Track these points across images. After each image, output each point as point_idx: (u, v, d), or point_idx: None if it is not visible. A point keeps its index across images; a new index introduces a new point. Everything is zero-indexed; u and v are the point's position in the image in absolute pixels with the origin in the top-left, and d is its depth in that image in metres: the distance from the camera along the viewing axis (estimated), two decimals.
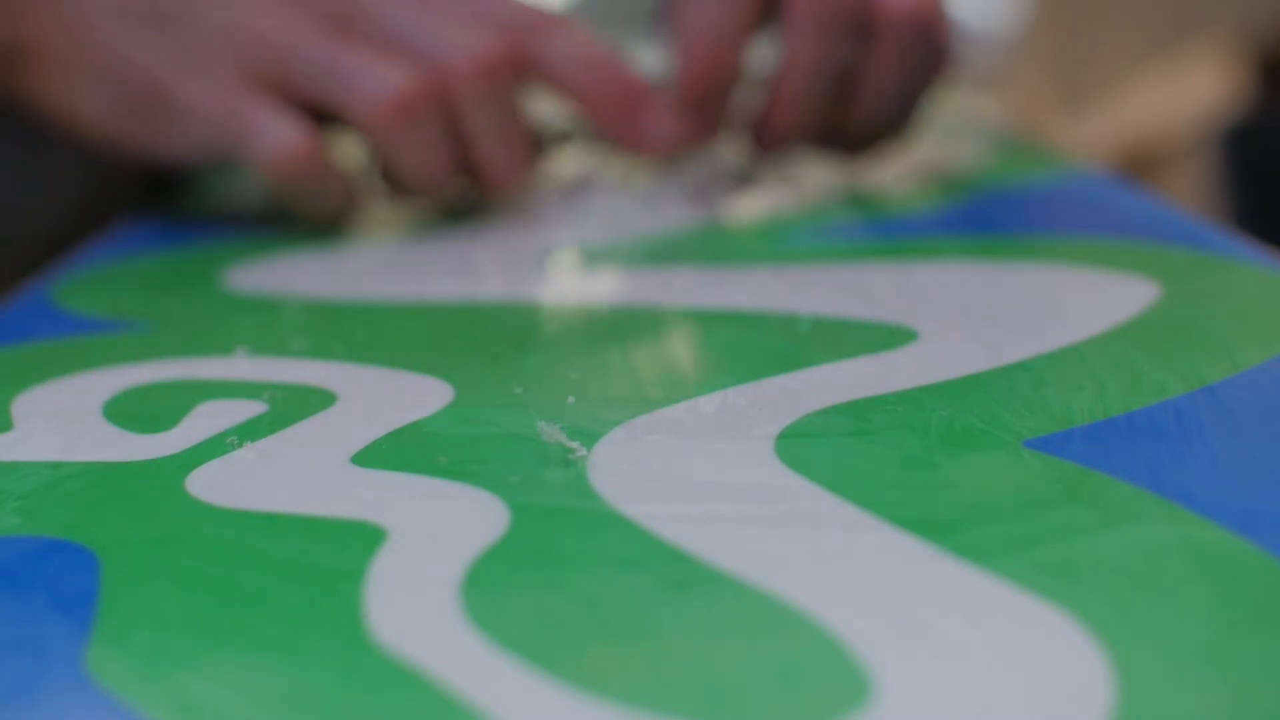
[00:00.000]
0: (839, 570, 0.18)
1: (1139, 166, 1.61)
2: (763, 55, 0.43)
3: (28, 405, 0.26)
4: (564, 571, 0.18)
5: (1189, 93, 1.61)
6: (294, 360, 0.29)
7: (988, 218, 0.41)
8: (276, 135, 0.38)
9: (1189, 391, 0.24)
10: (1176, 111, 1.60)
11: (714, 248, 0.38)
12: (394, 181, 0.41)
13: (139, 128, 0.40)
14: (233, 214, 0.49)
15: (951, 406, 0.24)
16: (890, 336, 0.28)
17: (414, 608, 0.17)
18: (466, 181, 0.42)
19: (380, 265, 0.39)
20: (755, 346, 0.28)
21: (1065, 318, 0.29)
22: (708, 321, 0.31)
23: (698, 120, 0.42)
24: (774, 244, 0.38)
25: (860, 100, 0.42)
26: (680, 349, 0.29)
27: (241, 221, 0.46)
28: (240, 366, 0.28)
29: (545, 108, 0.46)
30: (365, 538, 0.19)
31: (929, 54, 0.41)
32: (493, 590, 0.17)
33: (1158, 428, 0.22)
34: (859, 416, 0.23)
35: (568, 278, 0.36)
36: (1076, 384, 0.24)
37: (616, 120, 0.41)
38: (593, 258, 0.38)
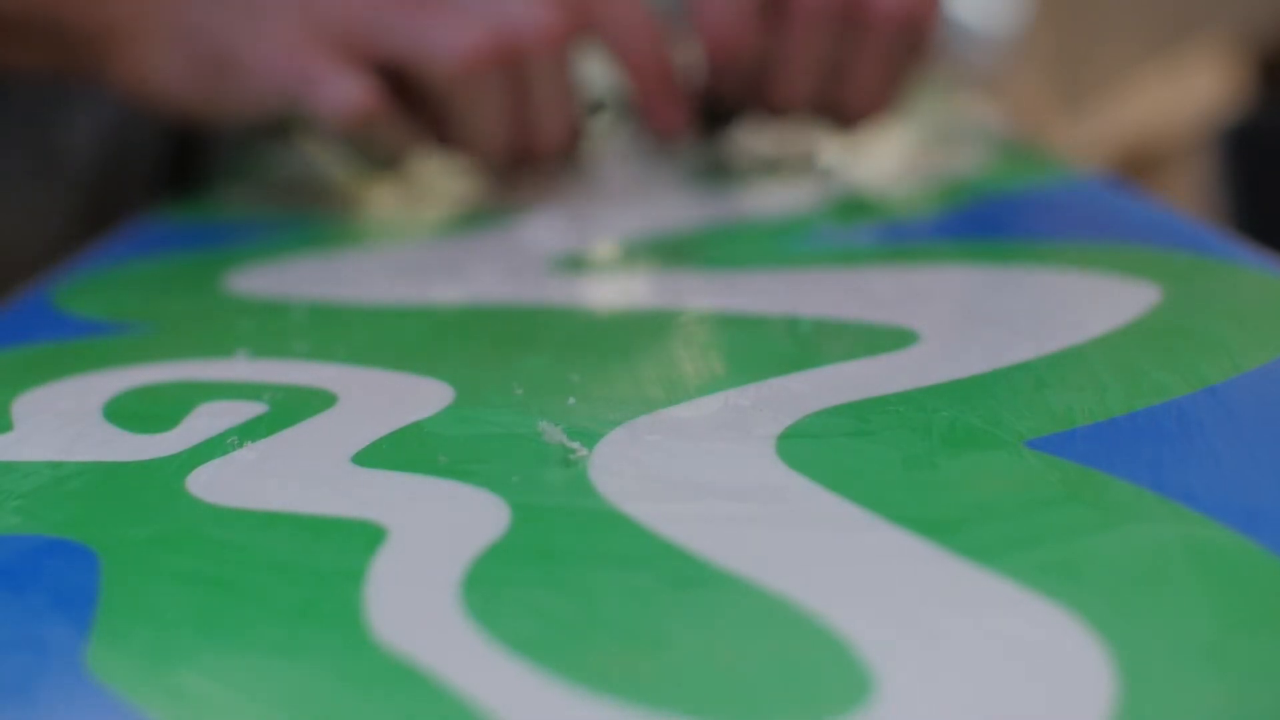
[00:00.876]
0: (840, 569, 0.18)
1: (1139, 167, 1.61)
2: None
3: (28, 406, 0.26)
4: (565, 570, 0.18)
5: (1189, 93, 1.61)
6: (294, 362, 0.29)
7: (989, 222, 0.41)
8: (341, 88, 0.40)
9: (1190, 392, 0.24)
10: (1176, 111, 1.60)
11: (716, 250, 0.38)
12: (460, 142, 0.44)
13: (212, 89, 0.43)
14: (231, 219, 0.49)
15: (953, 407, 0.24)
16: (891, 338, 0.28)
17: (414, 606, 0.17)
18: (522, 147, 0.44)
19: (380, 268, 0.39)
20: (757, 347, 0.28)
21: (1066, 320, 0.29)
22: (709, 323, 0.31)
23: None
24: (776, 247, 0.38)
25: (850, 83, 0.47)
26: (681, 350, 0.29)
27: (240, 226, 0.46)
28: (240, 368, 0.28)
29: (586, 75, 0.50)
30: (365, 537, 0.19)
31: (916, 47, 0.46)
32: (493, 589, 0.17)
33: (1159, 428, 0.22)
34: (860, 417, 0.23)
35: (569, 279, 0.36)
36: (1078, 385, 0.24)
37: (650, 97, 0.46)
38: (594, 260, 0.38)
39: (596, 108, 0.51)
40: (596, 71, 0.50)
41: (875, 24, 0.45)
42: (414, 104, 0.43)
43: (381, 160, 0.44)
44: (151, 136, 0.59)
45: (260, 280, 0.37)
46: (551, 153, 0.45)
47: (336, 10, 0.41)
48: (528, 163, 0.45)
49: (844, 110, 0.48)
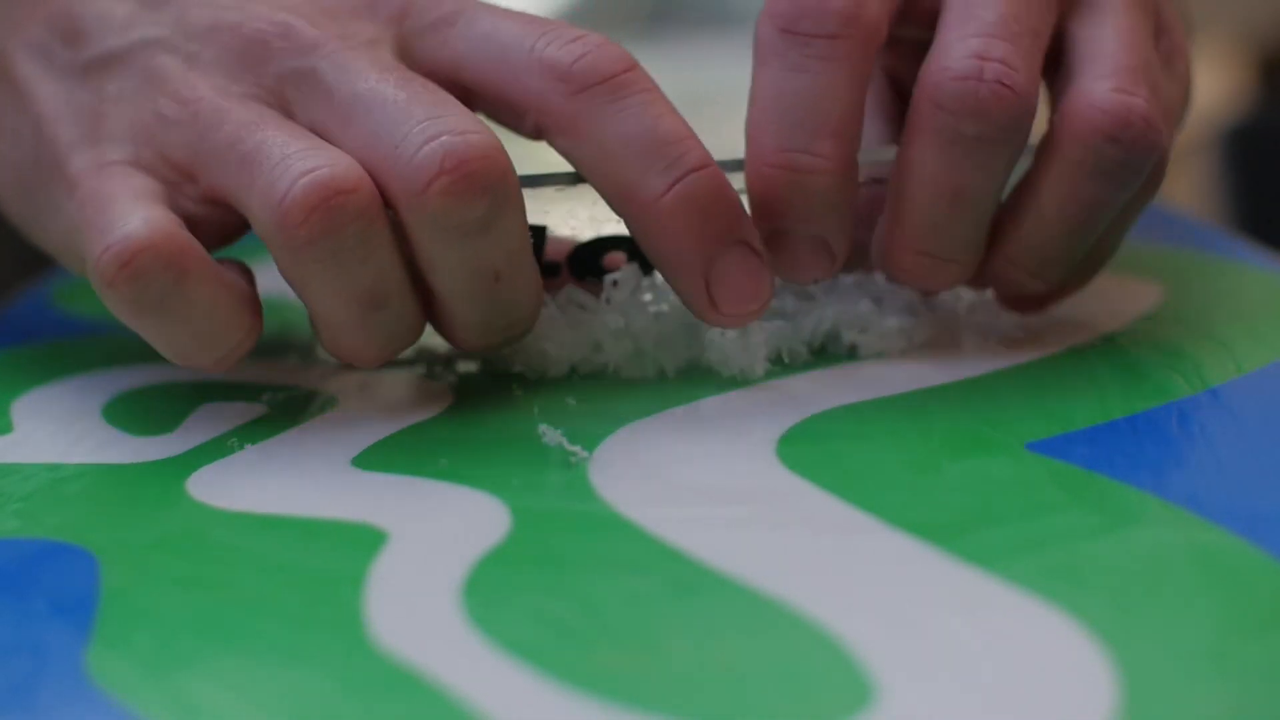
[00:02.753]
0: (841, 573, 0.18)
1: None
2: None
3: (28, 407, 0.26)
4: (565, 574, 0.18)
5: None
6: (294, 363, 0.29)
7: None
8: (118, 229, 0.24)
9: (1192, 394, 0.24)
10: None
11: None
12: (318, 328, 0.26)
13: (25, 190, 0.29)
14: None
15: (953, 409, 0.24)
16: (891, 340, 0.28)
17: (414, 610, 0.17)
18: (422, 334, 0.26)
19: None
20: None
21: (1068, 321, 0.29)
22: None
23: (778, 247, 0.26)
24: None
25: (1018, 231, 0.27)
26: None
27: None
28: (240, 369, 0.28)
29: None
30: (365, 540, 0.19)
31: (1130, 174, 0.26)
32: (494, 593, 0.17)
33: (1161, 430, 0.22)
34: (861, 420, 0.23)
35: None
36: (1079, 387, 0.24)
37: (689, 257, 0.25)
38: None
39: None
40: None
41: (1064, 141, 0.26)
42: None
43: (182, 343, 0.25)
44: None
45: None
46: (470, 347, 0.26)
47: (168, 127, 0.26)
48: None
49: (1004, 276, 0.27)
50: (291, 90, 0.26)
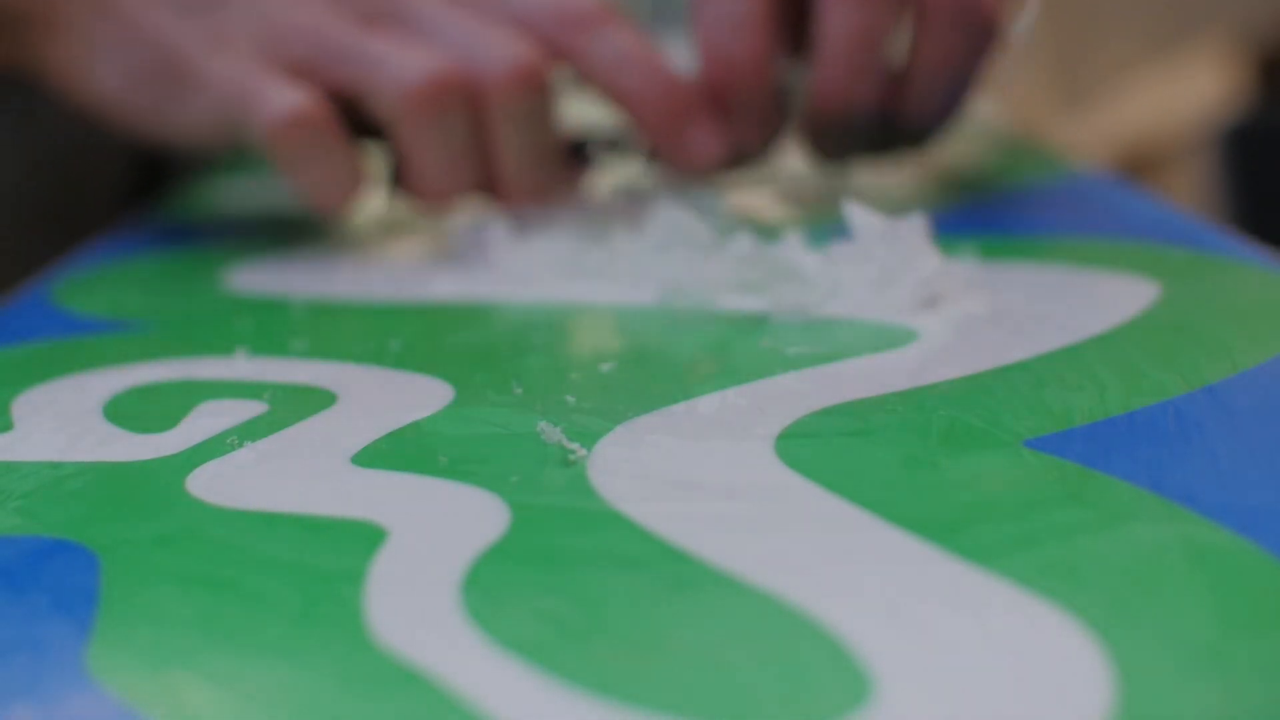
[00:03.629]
0: (839, 570, 0.18)
1: (1139, 166, 1.61)
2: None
3: (28, 405, 0.26)
4: (564, 571, 0.18)
5: (1189, 93, 1.61)
6: (294, 360, 0.29)
7: (988, 219, 0.41)
8: (280, 98, 0.36)
9: (1189, 391, 0.24)
10: (1176, 111, 1.60)
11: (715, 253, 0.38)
12: (408, 182, 0.39)
13: (152, 102, 0.39)
14: (230, 215, 0.49)
15: (952, 407, 0.24)
16: (890, 337, 0.28)
17: (414, 607, 0.17)
18: (483, 193, 0.40)
19: (380, 266, 0.39)
20: (755, 347, 0.28)
21: (1065, 318, 0.29)
22: (708, 321, 0.31)
23: (733, 127, 0.40)
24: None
25: (909, 83, 0.40)
26: (680, 347, 0.29)
27: (240, 223, 0.46)
28: (240, 367, 0.28)
29: (594, 113, 0.44)
30: (365, 537, 0.19)
31: (978, 30, 0.39)
32: (493, 590, 0.17)
33: (1158, 427, 0.22)
34: (859, 416, 0.23)
35: (568, 279, 0.36)
36: (1077, 384, 0.24)
37: (661, 129, 0.38)
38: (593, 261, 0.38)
39: (610, 145, 0.42)
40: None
41: (931, 9, 0.38)
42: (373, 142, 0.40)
43: (323, 192, 0.38)
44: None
45: (260, 277, 0.37)
46: (521, 201, 0.39)
47: (294, 34, 0.37)
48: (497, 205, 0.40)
49: (899, 126, 0.41)
50: (386, 18, 0.38)
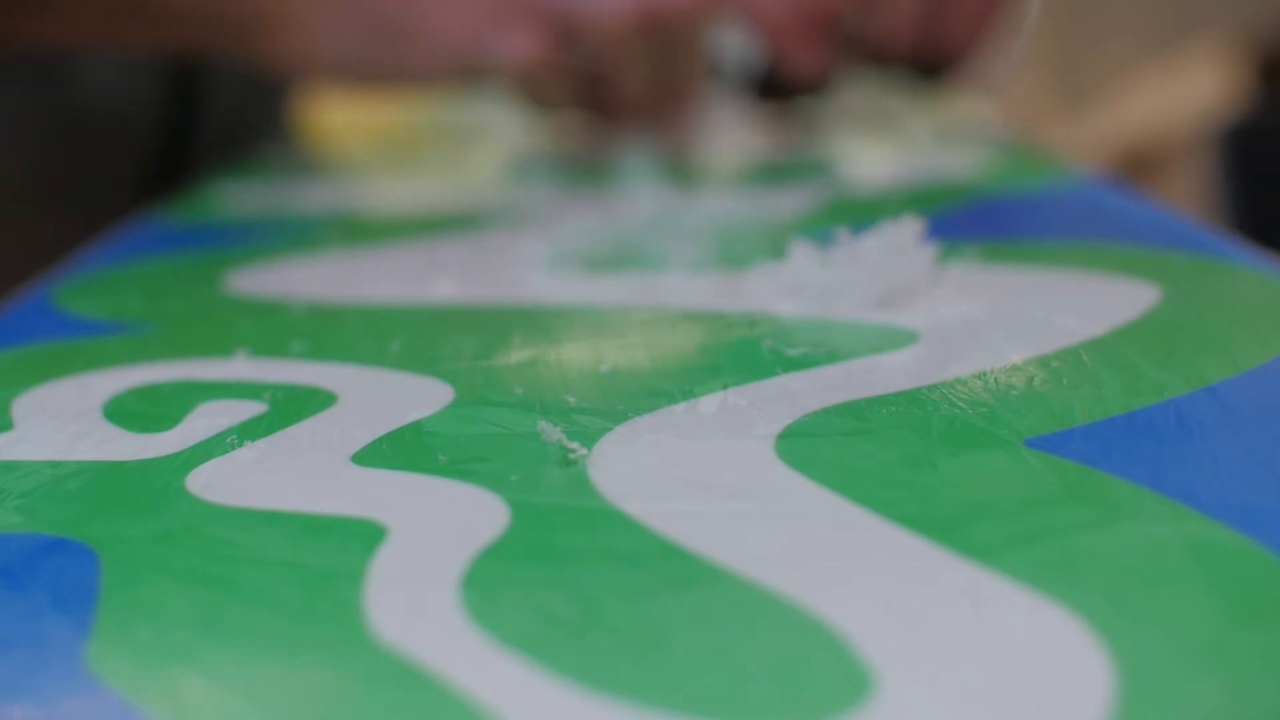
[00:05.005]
0: (840, 567, 0.18)
1: (1139, 166, 1.61)
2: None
3: (28, 405, 0.26)
4: (564, 568, 0.18)
5: (1189, 93, 1.61)
6: (294, 361, 0.29)
7: (989, 223, 0.41)
8: (518, 43, 0.48)
9: (1189, 391, 0.24)
10: (1176, 111, 1.60)
11: (716, 253, 0.38)
12: (606, 104, 0.53)
13: (384, 59, 0.49)
14: (231, 219, 0.49)
15: (952, 406, 0.24)
16: (891, 338, 0.28)
17: (414, 604, 0.17)
18: (657, 105, 0.53)
19: (379, 269, 0.39)
20: (755, 347, 0.28)
21: (1065, 320, 0.29)
22: (709, 322, 0.31)
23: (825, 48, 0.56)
24: (776, 250, 0.38)
25: (948, 13, 0.54)
26: (680, 349, 0.29)
27: (240, 226, 0.46)
28: (240, 368, 0.28)
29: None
30: (365, 535, 0.19)
31: None
32: (493, 587, 0.17)
33: (1158, 427, 0.22)
34: (859, 416, 0.23)
35: (568, 281, 0.36)
36: (1076, 384, 0.24)
37: (793, 43, 0.53)
38: (592, 261, 0.38)
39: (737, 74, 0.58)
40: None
41: None
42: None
43: (549, 105, 0.52)
44: (138, 133, 0.60)
45: (259, 280, 0.37)
46: (683, 104, 0.53)
47: None
48: (658, 119, 0.54)
49: (940, 47, 0.54)
50: None
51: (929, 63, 0.57)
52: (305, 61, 0.50)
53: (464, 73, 0.51)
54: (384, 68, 0.50)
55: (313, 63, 0.50)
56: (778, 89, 0.57)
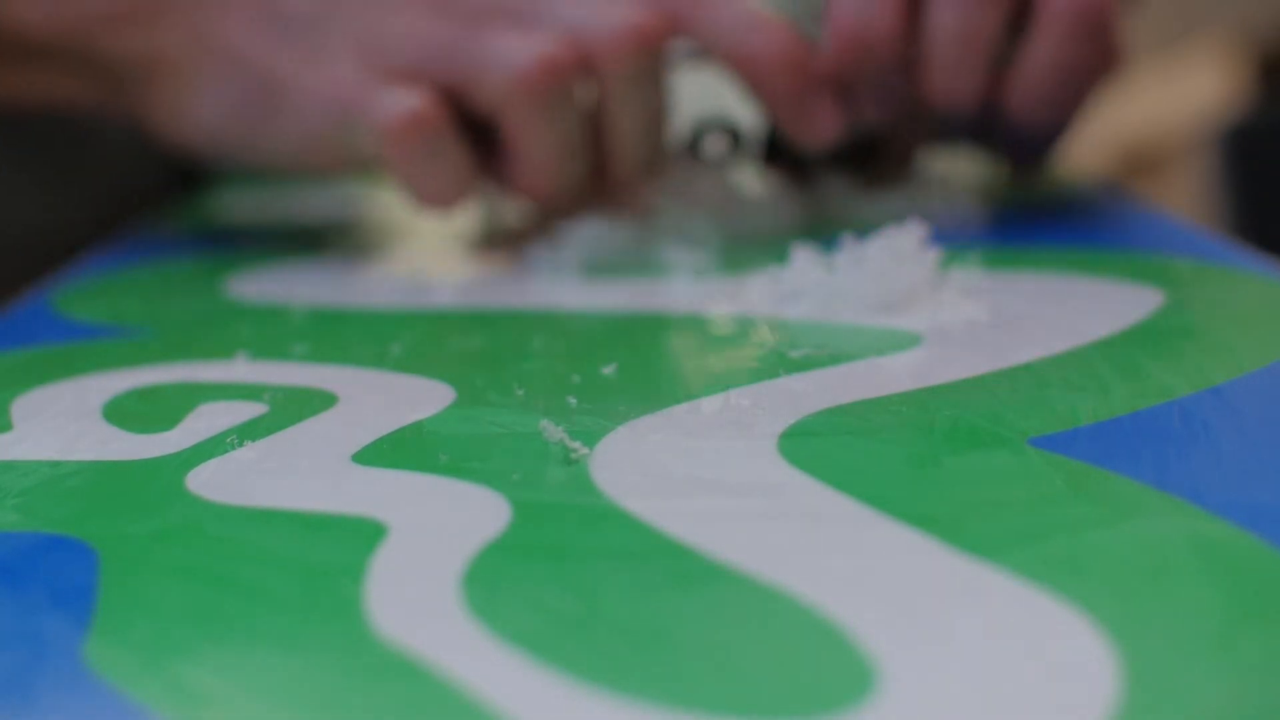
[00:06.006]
0: (843, 564, 0.18)
1: (1139, 167, 1.61)
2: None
3: (27, 407, 0.26)
4: (566, 566, 0.18)
5: (1189, 93, 1.61)
6: (294, 364, 0.29)
7: (991, 230, 0.41)
8: (396, 100, 0.35)
9: (1194, 392, 0.24)
10: (1176, 111, 1.60)
11: (717, 259, 0.38)
12: (518, 178, 0.38)
13: (251, 127, 0.38)
14: (231, 224, 0.49)
15: (955, 406, 0.23)
16: (894, 340, 0.28)
17: (415, 601, 0.17)
18: (593, 186, 0.39)
19: (380, 273, 0.39)
20: (758, 350, 0.28)
21: (1069, 323, 0.29)
22: (709, 324, 0.31)
23: (855, 106, 0.40)
24: (778, 255, 0.38)
25: (1015, 89, 0.39)
26: (682, 351, 0.29)
27: (240, 231, 0.46)
28: (240, 370, 0.28)
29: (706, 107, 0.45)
30: (366, 533, 0.19)
31: (1094, 48, 0.39)
32: (495, 584, 0.17)
33: (1163, 427, 0.22)
34: (862, 416, 0.23)
35: (568, 284, 0.36)
36: (1081, 385, 0.24)
37: (786, 95, 0.37)
38: (593, 265, 0.38)
39: (724, 136, 0.42)
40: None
41: (1044, 11, 0.38)
42: (477, 142, 0.38)
43: (438, 193, 0.37)
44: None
45: (260, 285, 0.37)
46: (632, 180, 0.39)
47: (397, 40, 0.36)
48: (598, 198, 0.39)
49: (1003, 130, 0.41)
50: (487, 14, 0.36)
51: (1004, 140, 0.43)
52: (172, 119, 0.40)
53: (338, 142, 0.37)
54: (249, 139, 0.39)
55: (178, 121, 0.40)
56: (786, 153, 0.42)
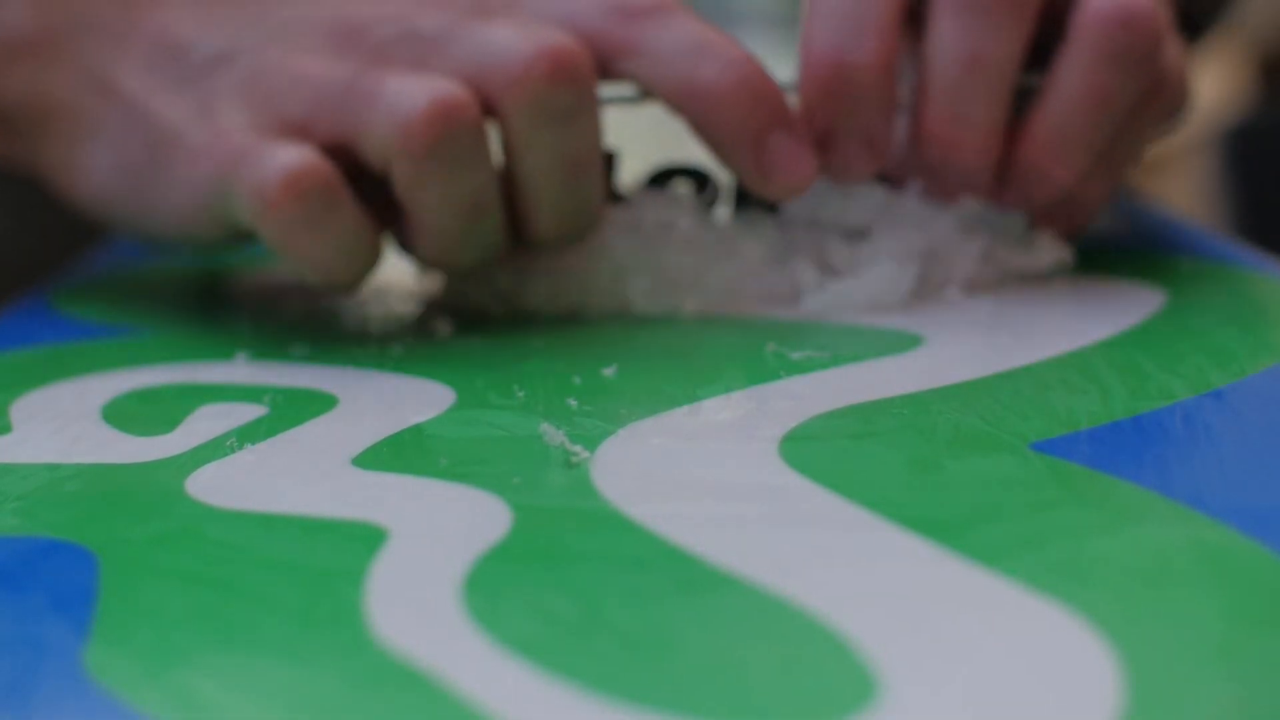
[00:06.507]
0: (845, 570, 0.18)
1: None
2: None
3: (26, 408, 0.26)
4: (567, 570, 0.18)
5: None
6: (294, 365, 0.28)
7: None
8: (275, 157, 0.28)
9: (1196, 395, 0.24)
10: None
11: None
12: (419, 243, 0.30)
13: (136, 189, 0.33)
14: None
15: (957, 409, 0.23)
16: (896, 342, 0.28)
17: (415, 607, 0.17)
18: (508, 249, 0.31)
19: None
20: (759, 351, 0.28)
21: (1070, 325, 0.29)
22: (710, 326, 0.31)
23: (834, 149, 0.31)
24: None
25: (1038, 131, 0.31)
26: (683, 353, 0.29)
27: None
28: (240, 371, 0.28)
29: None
30: (366, 538, 0.19)
31: (1139, 75, 0.30)
32: (495, 589, 0.17)
33: (1165, 431, 0.22)
34: (864, 419, 0.23)
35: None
36: (1082, 388, 0.24)
37: (742, 132, 0.29)
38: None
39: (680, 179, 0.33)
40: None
41: (1086, 28, 0.30)
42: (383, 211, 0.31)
43: (332, 267, 0.30)
44: None
45: (260, 284, 0.37)
46: (557, 235, 0.31)
47: (289, 86, 0.30)
48: (520, 256, 0.32)
49: (1026, 177, 0.31)
50: (393, 51, 0.30)
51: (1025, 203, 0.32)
52: (65, 173, 0.34)
53: (218, 215, 0.30)
54: (132, 200, 0.32)
55: (71, 177, 0.34)
56: (752, 197, 0.32)
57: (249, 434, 0.24)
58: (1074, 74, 0.30)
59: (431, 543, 0.19)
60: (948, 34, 0.30)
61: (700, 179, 0.33)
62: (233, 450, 0.23)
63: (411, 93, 0.28)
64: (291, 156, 0.29)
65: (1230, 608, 0.16)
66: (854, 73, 0.30)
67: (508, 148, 0.29)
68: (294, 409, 0.25)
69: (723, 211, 0.33)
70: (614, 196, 0.32)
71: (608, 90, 0.30)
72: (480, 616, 0.17)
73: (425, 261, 0.31)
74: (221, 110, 0.31)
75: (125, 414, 0.26)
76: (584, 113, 0.29)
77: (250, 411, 0.25)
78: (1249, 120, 1.34)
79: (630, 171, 0.34)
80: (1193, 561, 0.17)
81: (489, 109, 0.29)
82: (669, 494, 0.20)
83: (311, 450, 0.23)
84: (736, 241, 0.32)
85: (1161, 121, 0.33)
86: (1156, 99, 0.32)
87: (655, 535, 0.19)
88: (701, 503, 0.20)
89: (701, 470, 0.21)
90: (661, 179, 0.33)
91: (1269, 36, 1.52)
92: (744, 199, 0.33)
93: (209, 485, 0.22)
